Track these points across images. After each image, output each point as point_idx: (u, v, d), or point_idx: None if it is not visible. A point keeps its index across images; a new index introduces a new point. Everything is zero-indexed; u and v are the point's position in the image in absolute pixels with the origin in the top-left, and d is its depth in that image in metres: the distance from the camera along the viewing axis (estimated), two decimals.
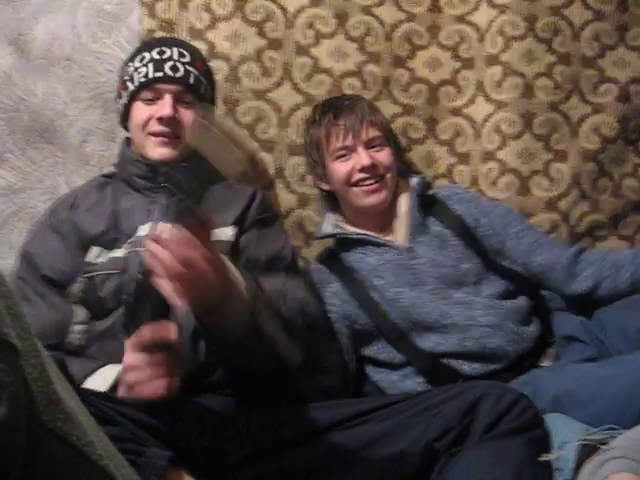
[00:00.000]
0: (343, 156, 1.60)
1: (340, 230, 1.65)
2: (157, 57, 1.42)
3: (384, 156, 1.61)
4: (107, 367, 1.24)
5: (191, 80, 1.43)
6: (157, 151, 1.41)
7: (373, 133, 1.61)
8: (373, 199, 1.60)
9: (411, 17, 1.78)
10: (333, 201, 1.70)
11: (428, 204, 1.65)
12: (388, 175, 1.61)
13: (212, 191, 1.40)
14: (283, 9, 1.72)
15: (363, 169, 1.57)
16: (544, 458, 1.07)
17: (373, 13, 1.76)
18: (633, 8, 1.83)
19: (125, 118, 1.48)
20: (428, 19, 1.79)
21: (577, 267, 1.58)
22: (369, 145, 1.60)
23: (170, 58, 1.43)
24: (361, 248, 1.63)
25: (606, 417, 1.21)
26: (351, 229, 1.65)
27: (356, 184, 1.59)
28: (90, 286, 1.34)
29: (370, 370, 1.62)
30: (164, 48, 1.44)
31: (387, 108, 1.76)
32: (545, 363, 1.59)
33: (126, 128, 1.49)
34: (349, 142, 1.59)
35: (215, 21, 1.69)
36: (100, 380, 1.19)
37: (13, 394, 0.57)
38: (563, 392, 1.32)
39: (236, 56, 1.70)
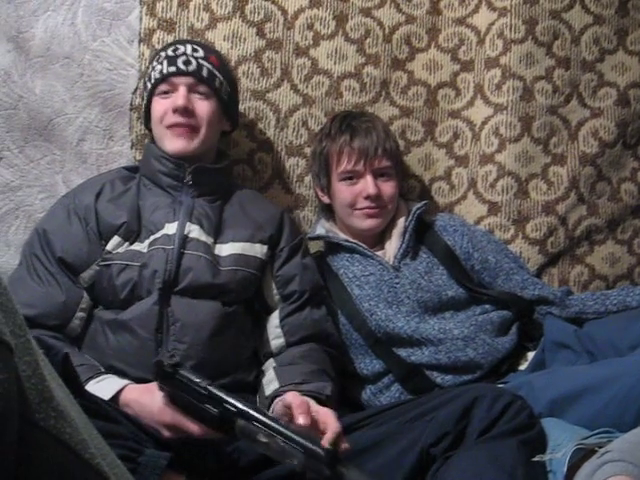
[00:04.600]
0: (350, 179, 1.60)
1: (331, 234, 1.67)
2: (171, 54, 1.49)
3: (390, 188, 1.62)
4: (109, 379, 1.25)
5: (204, 73, 1.49)
6: (174, 144, 1.45)
7: (384, 163, 1.61)
8: (370, 223, 1.62)
9: (410, 19, 1.78)
10: (328, 210, 1.71)
11: (422, 230, 1.67)
12: (390, 206, 1.63)
13: (246, 208, 1.50)
14: (283, 10, 1.72)
15: (368, 197, 1.58)
16: (537, 459, 1.07)
17: (372, 15, 1.76)
18: (633, 12, 1.83)
19: (148, 118, 1.53)
20: (427, 21, 1.79)
21: (566, 300, 1.65)
22: (378, 174, 1.60)
23: (183, 53, 1.49)
24: (348, 255, 1.64)
25: (603, 420, 1.22)
26: (342, 235, 1.67)
27: (358, 208, 1.61)
28: (105, 274, 1.36)
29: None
30: (178, 45, 1.51)
31: (385, 110, 1.76)
32: (522, 367, 1.59)
33: (150, 130, 1.55)
34: (359, 167, 1.59)
35: (215, 21, 1.69)
36: (100, 392, 1.18)
37: (6, 392, 0.57)
38: (559, 396, 1.32)
39: (235, 56, 1.70)
